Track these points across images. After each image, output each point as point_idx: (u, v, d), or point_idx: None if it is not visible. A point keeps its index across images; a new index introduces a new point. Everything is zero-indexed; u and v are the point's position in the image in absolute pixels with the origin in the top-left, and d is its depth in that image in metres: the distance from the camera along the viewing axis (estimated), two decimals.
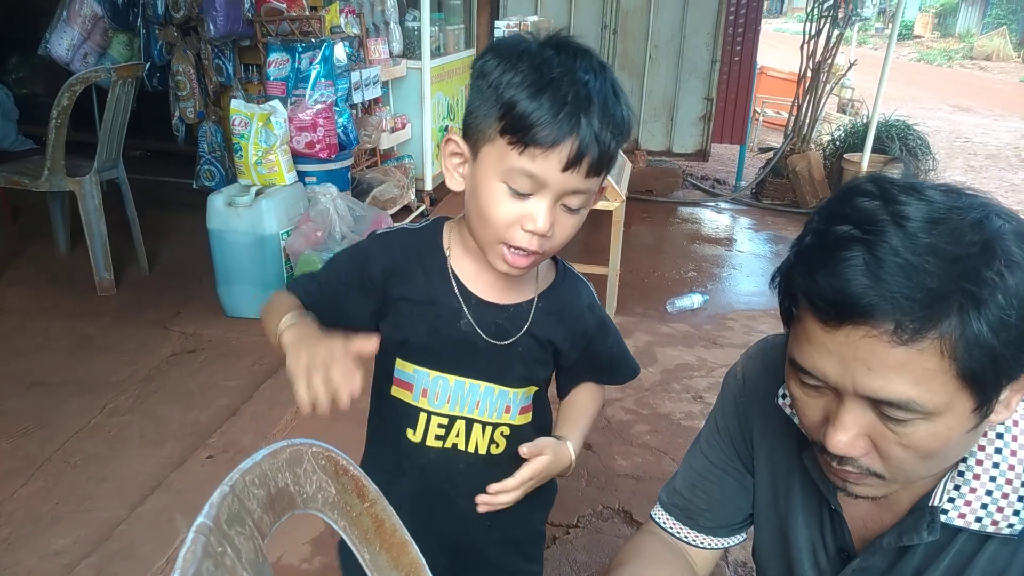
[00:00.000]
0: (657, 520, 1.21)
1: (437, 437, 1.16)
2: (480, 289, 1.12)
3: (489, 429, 1.17)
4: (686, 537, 1.18)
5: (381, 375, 1.19)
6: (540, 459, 1.10)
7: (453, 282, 1.12)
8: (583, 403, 1.28)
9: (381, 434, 1.22)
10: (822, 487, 0.98)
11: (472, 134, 1.01)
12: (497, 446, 1.18)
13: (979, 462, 0.88)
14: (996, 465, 0.87)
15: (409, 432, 1.16)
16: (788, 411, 1.01)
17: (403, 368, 1.15)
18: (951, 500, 0.89)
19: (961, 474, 0.88)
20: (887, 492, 0.88)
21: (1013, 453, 0.87)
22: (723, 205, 6.39)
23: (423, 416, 1.15)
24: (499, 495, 1.09)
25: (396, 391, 1.16)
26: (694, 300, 4.21)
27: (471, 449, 1.17)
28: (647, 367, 3.51)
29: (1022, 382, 0.79)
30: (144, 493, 2.39)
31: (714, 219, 6.05)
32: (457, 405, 1.14)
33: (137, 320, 3.52)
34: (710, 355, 3.67)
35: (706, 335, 3.89)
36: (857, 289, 0.73)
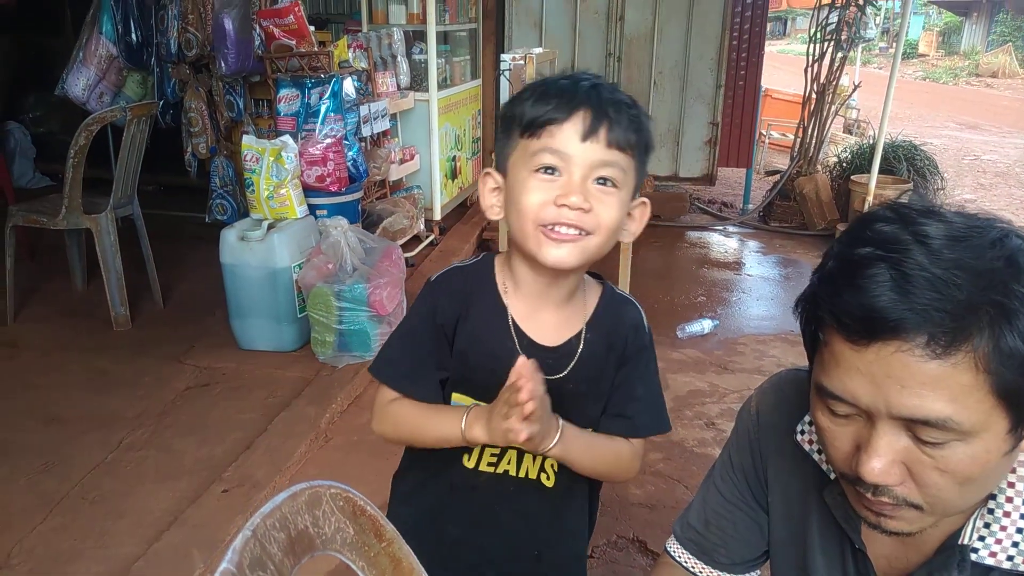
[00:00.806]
0: (673, 555, 1.20)
1: (489, 464, 1.20)
2: (533, 329, 1.16)
3: (539, 459, 1.20)
4: (702, 572, 1.17)
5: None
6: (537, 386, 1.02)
7: (509, 321, 1.16)
8: (604, 437, 1.22)
9: (432, 461, 1.24)
10: (845, 525, 0.96)
11: (501, 159, 1.09)
12: (548, 477, 1.21)
13: (1009, 499, 0.86)
14: None
15: (464, 458, 1.20)
16: (807, 447, 1.00)
17: (461, 400, 1.19)
18: (981, 538, 0.86)
19: (991, 511, 0.86)
20: (922, 527, 0.85)
21: None
22: (731, 229, 6.40)
23: (477, 447, 1.19)
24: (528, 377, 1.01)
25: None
26: (704, 325, 4.21)
27: (521, 474, 1.20)
28: None
29: None
30: (160, 528, 2.41)
31: (722, 243, 6.07)
32: None
33: (152, 354, 3.56)
34: (722, 381, 3.67)
35: (717, 360, 3.89)
36: (886, 303, 0.73)
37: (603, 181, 1.03)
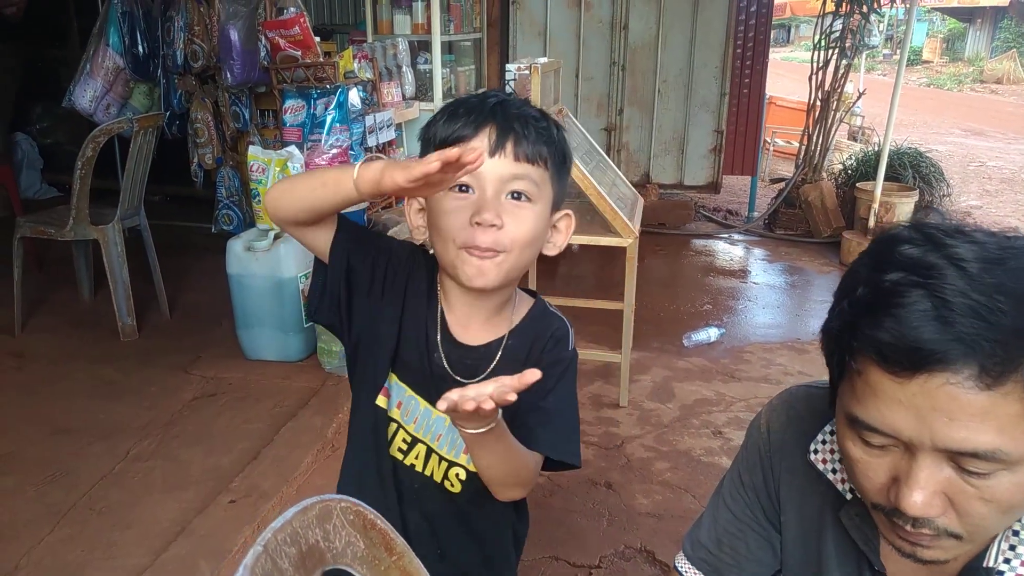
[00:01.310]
0: (684, 574, 1.17)
1: (400, 450, 1.21)
2: (457, 328, 1.17)
3: (445, 465, 1.20)
4: None
5: (366, 389, 1.21)
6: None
7: (439, 315, 1.17)
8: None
9: (359, 438, 1.25)
10: (864, 547, 0.93)
11: None
12: (452, 486, 1.21)
13: None
14: None
15: (387, 432, 1.21)
16: (821, 467, 0.98)
17: (390, 379, 1.19)
18: (1007, 560, 0.83)
19: (1016, 533, 0.83)
20: (958, 554, 0.82)
21: None
22: (736, 236, 6.40)
23: (393, 426, 1.20)
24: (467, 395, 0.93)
25: (380, 399, 1.20)
26: (710, 334, 4.21)
27: (428, 474, 1.21)
28: (665, 403, 3.51)
29: None
30: (168, 539, 2.41)
31: (728, 251, 6.07)
32: (422, 429, 1.19)
33: (159, 364, 3.57)
34: (728, 389, 3.67)
35: (723, 369, 3.89)
36: (931, 334, 0.69)
37: (516, 195, 1.05)
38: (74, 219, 3.64)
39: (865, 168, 6.05)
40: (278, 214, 1.09)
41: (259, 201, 3.56)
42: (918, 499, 0.76)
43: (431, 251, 1.16)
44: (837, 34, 5.92)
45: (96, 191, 3.72)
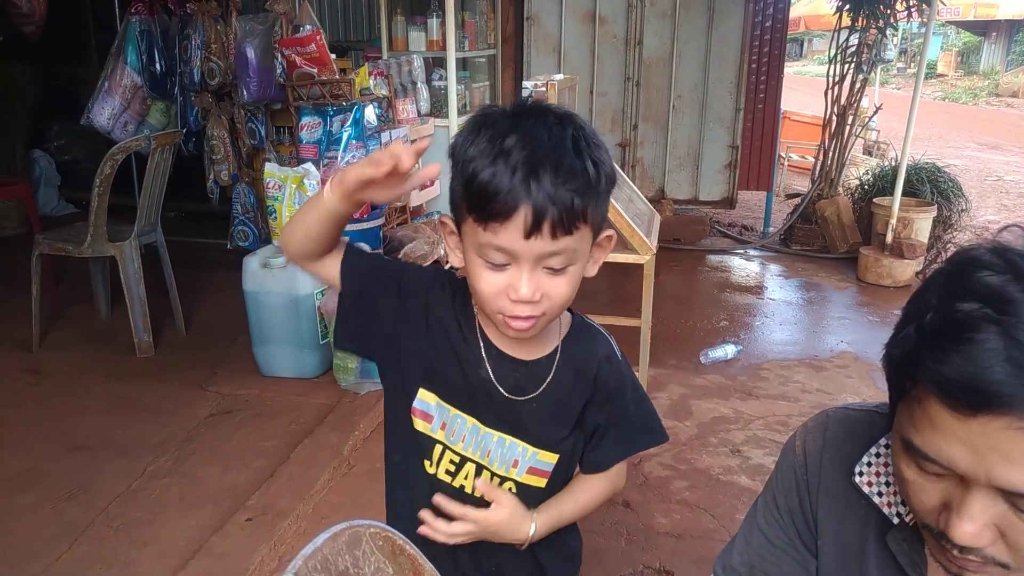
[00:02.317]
0: None
1: (447, 472, 1.18)
2: (503, 341, 1.14)
3: (496, 480, 1.18)
4: None
5: (399, 402, 1.19)
6: (491, 512, 1.14)
7: (478, 332, 1.15)
8: (578, 488, 1.25)
9: (402, 468, 1.23)
10: (911, 573, 0.92)
11: (455, 213, 1.05)
12: None
13: None
14: None
15: (426, 463, 1.18)
16: (867, 489, 0.95)
17: (426, 399, 1.16)
18: None
19: None
20: None
21: None
22: (752, 252, 6.37)
23: (438, 448, 1.17)
24: (436, 528, 1.14)
25: (416, 422, 1.17)
26: (727, 350, 4.18)
27: (477, 495, 1.18)
28: (683, 420, 3.48)
29: None
30: (185, 557, 2.40)
31: (744, 267, 6.04)
32: (471, 447, 1.16)
33: (175, 381, 3.57)
34: (746, 407, 3.63)
35: (741, 386, 3.86)
36: (998, 377, 0.67)
37: (553, 268, 1.00)
38: (92, 236, 3.65)
39: (882, 183, 6.00)
40: (289, 252, 1.15)
41: (275, 218, 3.57)
42: (968, 529, 0.74)
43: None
44: (853, 49, 5.90)
45: (113, 207, 3.74)
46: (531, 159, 0.93)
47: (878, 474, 0.95)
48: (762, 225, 6.94)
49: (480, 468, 1.17)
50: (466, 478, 1.18)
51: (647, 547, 2.61)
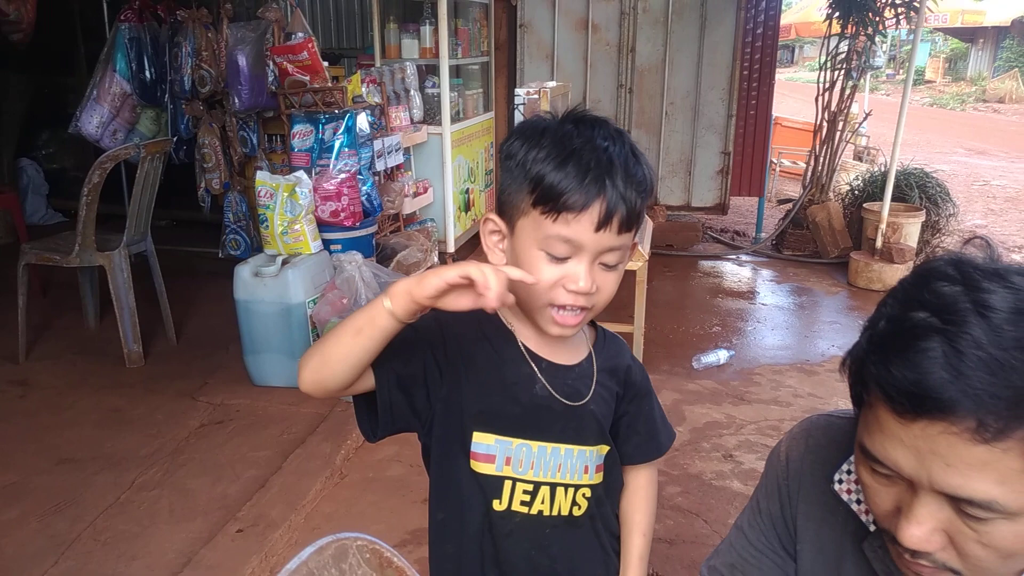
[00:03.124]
0: None
1: (523, 503, 1.16)
2: (547, 352, 1.16)
3: (571, 491, 1.18)
4: None
5: (451, 453, 1.16)
6: None
7: (522, 348, 1.15)
8: (638, 521, 1.30)
9: (460, 510, 1.18)
10: None
11: (507, 211, 1.07)
12: (579, 508, 1.20)
13: None
14: None
15: (495, 503, 1.16)
16: (846, 496, 0.97)
17: (482, 440, 1.14)
18: None
19: None
20: None
21: None
22: (744, 258, 6.37)
23: (508, 484, 1.15)
24: None
25: (477, 466, 1.14)
26: (720, 356, 4.17)
27: (555, 512, 1.18)
28: (676, 426, 3.46)
29: None
30: (174, 570, 2.37)
31: (736, 272, 6.04)
32: (542, 471, 1.16)
33: (166, 391, 3.54)
34: (739, 412, 3.63)
35: (733, 391, 3.85)
36: (936, 383, 0.70)
37: (607, 265, 1.05)
38: (80, 245, 3.62)
39: (872, 188, 6.03)
40: (327, 389, 1.03)
41: (266, 226, 3.54)
42: (915, 532, 0.77)
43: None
44: (843, 55, 5.93)
45: (102, 216, 3.71)
46: (603, 161, 1.00)
47: (856, 481, 0.96)
48: (754, 230, 6.95)
49: (555, 486, 1.17)
50: (543, 501, 1.17)
51: None
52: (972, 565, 0.78)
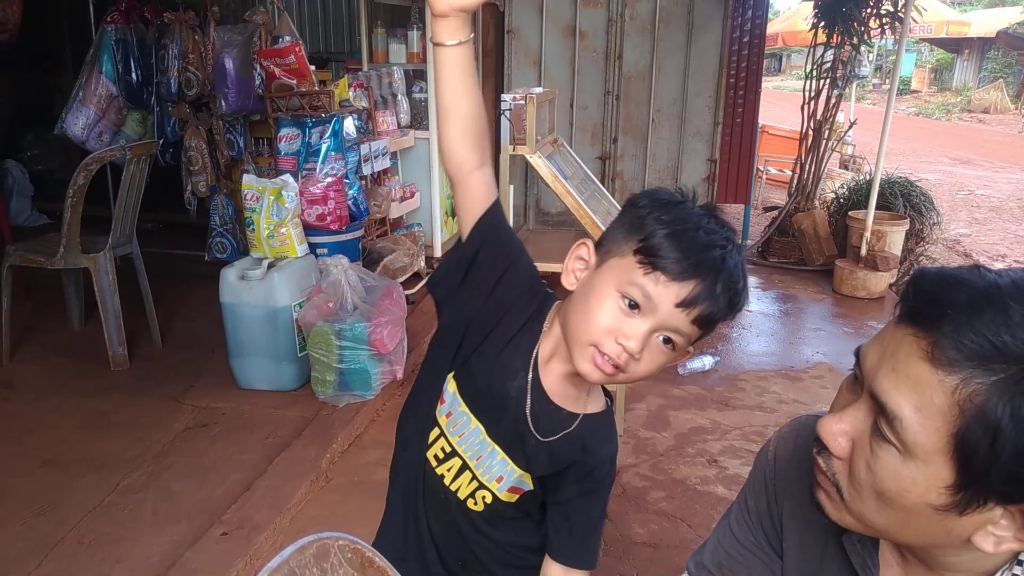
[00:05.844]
0: None
1: (435, 457, 1.22)
2: (548, 379, 1.16)
3: (474, 485, 1.21)
4: None
5: (426, 386, 1.23)
6: None
7: (534, 356, 1.16)
8: None
9: (409, 439, 1.27)
10: (862, 573, 0.95)
11: (605, 246, 1.08)
12: (475, 504, 1.22)
13: None
14: None
15: (430, 435, 1.23)
16: None
17: (449, 386, 1.20)
18: None
19: (1020, 563, 0.83)
20: (839, 520, 0.88)
21: None
22: None
23: (436, 431, 1.21)
24: None
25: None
26: (705, 362, 4.20)
27: (454, 488, 1.22)
28: (660, 431, 3.49)
29: (1012, 523, 0.76)
30: (159, 573, 2.37)
31: None
32: (464, 446, 1.19)
33: (151, 394, 3.53)
34: (723, 418, 3.65)
35: (718, 397, 3.87)
36: (949, 296, 0.74)
37: (667, 341, 1.04)
38: (64, 247, 3.61)
39: (857, 197, 6.08)
40: (454, 137, 1.16)
41: (252, 229, 3.54)
42: (832, 428, 0.84)
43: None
44: (828, 65, 5.98)
45: (88, 218, 3.69)
46: (717, 259, 1.01)
47: None
48: (740, 238, 6.96)
49: (464, 467, 1.20)
50: (448, 470, 1.21)
51: (624, 557, 2.61)
52: (852, 491, 0.83)
